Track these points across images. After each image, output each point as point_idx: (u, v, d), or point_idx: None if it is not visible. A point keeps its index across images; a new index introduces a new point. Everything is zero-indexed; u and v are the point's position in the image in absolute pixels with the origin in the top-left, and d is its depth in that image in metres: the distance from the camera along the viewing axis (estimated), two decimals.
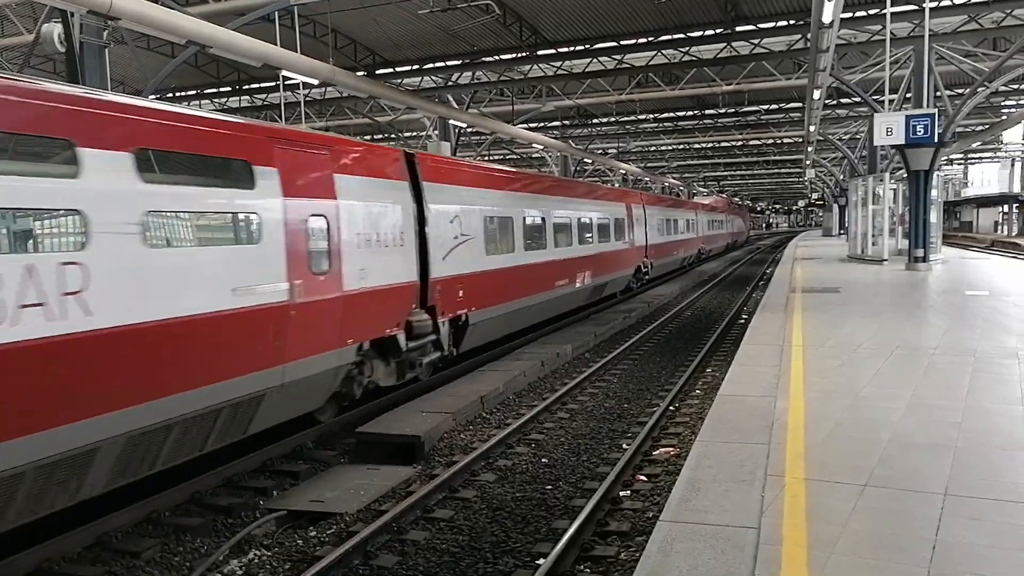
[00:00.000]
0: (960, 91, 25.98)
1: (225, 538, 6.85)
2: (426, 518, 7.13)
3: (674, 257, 32.59)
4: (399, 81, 26.02)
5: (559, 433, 9.89)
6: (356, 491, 7.67)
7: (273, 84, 25.85)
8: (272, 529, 7.02)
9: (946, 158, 45.22)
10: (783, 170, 70.36)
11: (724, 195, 77.82)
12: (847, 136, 39.96)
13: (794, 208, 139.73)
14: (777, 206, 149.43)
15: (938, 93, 21.94)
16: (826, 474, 5.18)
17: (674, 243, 32.08)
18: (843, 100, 31.95)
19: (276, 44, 15.02)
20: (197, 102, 29.03)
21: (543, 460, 8.83)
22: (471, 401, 10.50)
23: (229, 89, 27.94)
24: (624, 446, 9.22)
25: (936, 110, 17.84)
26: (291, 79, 17.37)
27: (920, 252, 20.16)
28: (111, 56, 15.76)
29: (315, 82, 16.34)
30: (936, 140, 17.25)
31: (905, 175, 21.90)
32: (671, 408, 10.86)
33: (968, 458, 5.42)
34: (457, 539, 6.68)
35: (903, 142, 16.90)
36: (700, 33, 21.39)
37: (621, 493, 7.62)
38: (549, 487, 7.96)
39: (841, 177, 47.22)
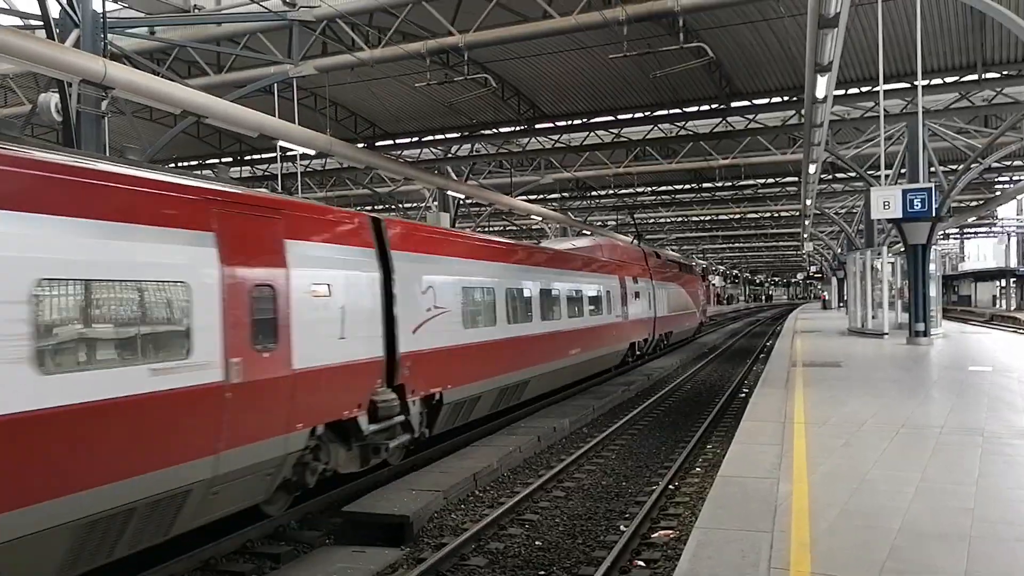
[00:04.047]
0: (954, 167, 26.23)
1: None
2: None
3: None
4: (399, 152, 26.24)
5: (554, 513, 9.50)
6: None
7: (274, 155, 26.08)
8: None
9: (942, 232, 45.50)
10: (781, 243, 70.78)
11: (638, 240, 35.55)
12: (843, 210, 40.25)
13: (793, 281, 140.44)
14: (776, 279, 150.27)
15: (932, 168, 22.10)
16: (834, 567, 4.84)
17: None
18: (838, 175, 32.30)
19: (275, 115, 15.14)
20: (199, 171, 29.23)
21: (536, 543, 8.43)
22: (463, 478, 10.13)
23: (231, 160, 28.18)
24: (622, 528, 8.83)
25: (933, 184, 17.89)
26: (289, 150, 17.49)
27: (921, 326, 19.94)
28: (112, 126, 15.87)
29: (312, 152, 16.42)
30: (934, 214, 17.24)
31: (902, 249, 21.87)
32: (671, 487, 10.48)
33: (985, 548, 5.09)
34: None
35: (900, 216, 16.85)
36: (696, 108, 21.68)
37: None
38: (542, 573, 7.56)
39: (839, 250, 47.38)
